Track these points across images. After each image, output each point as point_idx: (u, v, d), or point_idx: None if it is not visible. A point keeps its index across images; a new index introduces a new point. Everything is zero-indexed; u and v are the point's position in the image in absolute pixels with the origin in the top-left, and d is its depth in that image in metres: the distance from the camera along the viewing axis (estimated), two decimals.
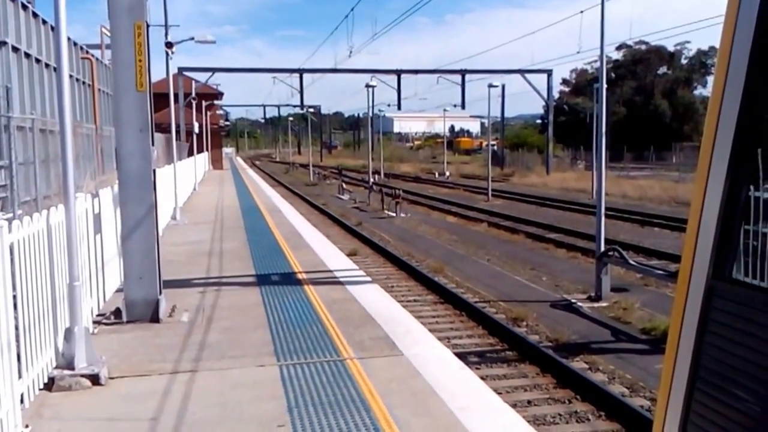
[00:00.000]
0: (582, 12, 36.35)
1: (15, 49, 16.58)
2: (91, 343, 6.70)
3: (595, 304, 13.87)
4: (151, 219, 8.97)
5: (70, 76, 22.94)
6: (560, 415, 8.49)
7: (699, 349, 2.65)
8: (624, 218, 29.06)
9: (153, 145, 9.10)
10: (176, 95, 54.78)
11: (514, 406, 8.71)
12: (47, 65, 20.44)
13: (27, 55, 17.50)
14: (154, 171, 9.11)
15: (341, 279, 11.85)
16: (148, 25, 9.06)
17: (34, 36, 18.47)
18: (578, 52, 46.98)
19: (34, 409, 6.06)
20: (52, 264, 6.76)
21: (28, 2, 17.73)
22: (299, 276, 12.22)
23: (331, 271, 12.62)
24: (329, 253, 15.08)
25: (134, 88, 8.86)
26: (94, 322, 8.85)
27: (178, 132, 53.08)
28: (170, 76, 23.61)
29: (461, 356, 10.77)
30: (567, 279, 16.71)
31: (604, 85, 15.03)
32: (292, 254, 14.55)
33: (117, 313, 8.97)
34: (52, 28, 20.79)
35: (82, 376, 6.40)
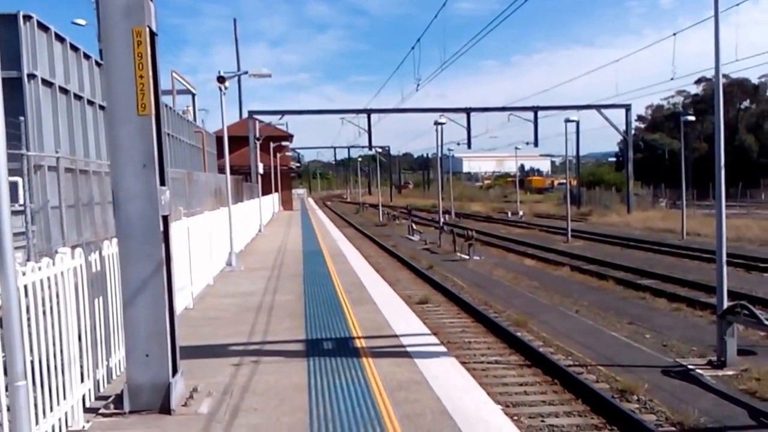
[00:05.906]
0: (675, 35, 33.75)
1: (47, 83, 14.98)
2: None
3: (720, 372, 11.35)
4: (159, 280, 6.85)
5: None
6: None
7: None
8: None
9: (164, 185, 7.05)
10: (247, 138, 54.49)
11: None
12: (99, 105, 19.05)
13: (64, 91, 15.87)
14: (165, 218, 7.03)
15: (408, 348, 9.54)
16: (153, 33, 7.04)
17: (74, 69, 16.88)
18: (672, 79, 43.90)
19: None
20: None
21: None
22: (357, 343, 9.99)
23: (396, 336, 10.34)
24: (395, 309, 12.87)
25: (134, 111, 6.81)
26: (89, 410, 6.84)
27: (248, 174, 52.70)
28: (223, 113, 22.03)
29: None
30: (675, 337, 14.26)
31: (721, 108, 12.59)
32: (352, 311, 12.41)
33: (120, 398, 6.93)
34: (98, 64, 19.53)
35: None
